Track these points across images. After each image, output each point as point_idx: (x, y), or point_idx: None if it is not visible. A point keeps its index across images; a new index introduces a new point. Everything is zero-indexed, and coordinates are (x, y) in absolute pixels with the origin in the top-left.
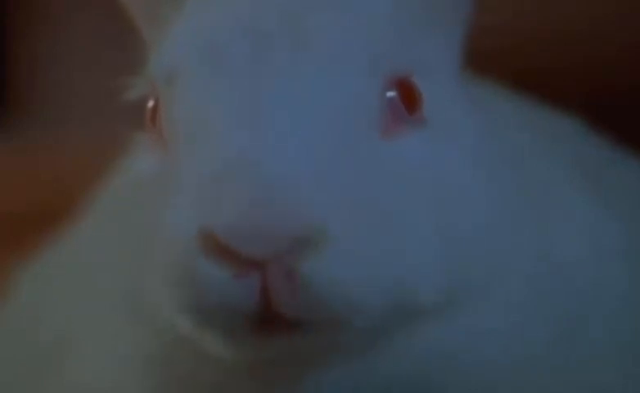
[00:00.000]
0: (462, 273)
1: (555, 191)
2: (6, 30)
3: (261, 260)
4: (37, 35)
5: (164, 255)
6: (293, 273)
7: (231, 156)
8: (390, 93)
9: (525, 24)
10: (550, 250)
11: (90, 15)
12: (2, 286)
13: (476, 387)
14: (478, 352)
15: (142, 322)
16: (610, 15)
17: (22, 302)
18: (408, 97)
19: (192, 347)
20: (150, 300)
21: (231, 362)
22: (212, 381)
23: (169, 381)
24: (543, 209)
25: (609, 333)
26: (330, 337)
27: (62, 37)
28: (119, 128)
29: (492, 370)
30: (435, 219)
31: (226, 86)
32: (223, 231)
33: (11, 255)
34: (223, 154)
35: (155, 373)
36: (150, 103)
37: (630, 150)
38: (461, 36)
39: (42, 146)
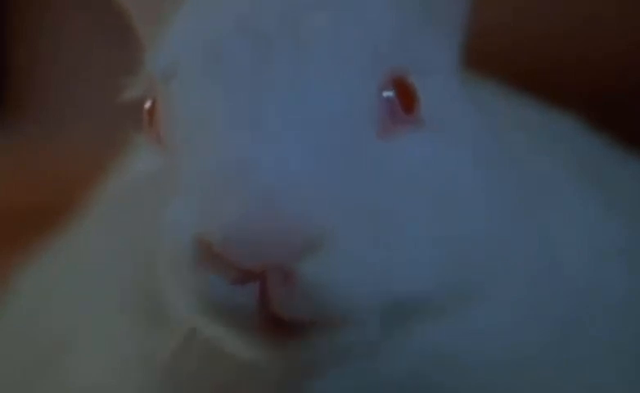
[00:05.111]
0: (462, 274)
1: (555, 191)
2: (6, 30)
3: (260, 271)
4: (37, 35)
5: (165, 257)
6: (291, 275)
7: (229, 158)
8: (387, 93)
9: (525, 23)
10: (550, 250)
11: (90, 16)
12: (1, 285)
13: (476, 387)
14: (478, 352)
15: (143, 323)
16: (611, 15)
17: (22, 302)
18: (405, 97)
19: (193, 348)
20: (151, 300)
21: (234, 363)
22: (213, 381)
23: (170, 381)
24: (543, 209)
25: (609, 333)
26: (329, 338)
27: (62, 37)
28: (119, 128)
29: (492, 370)
30: (435, 219)
31: (225, 86)
32: (220, 242)
33: (10, 255)
34: (221, 155)
35: (156, 374)
36: (148, 103)
37: (631, 149)
38: (460, 35)
39: (41, 146)
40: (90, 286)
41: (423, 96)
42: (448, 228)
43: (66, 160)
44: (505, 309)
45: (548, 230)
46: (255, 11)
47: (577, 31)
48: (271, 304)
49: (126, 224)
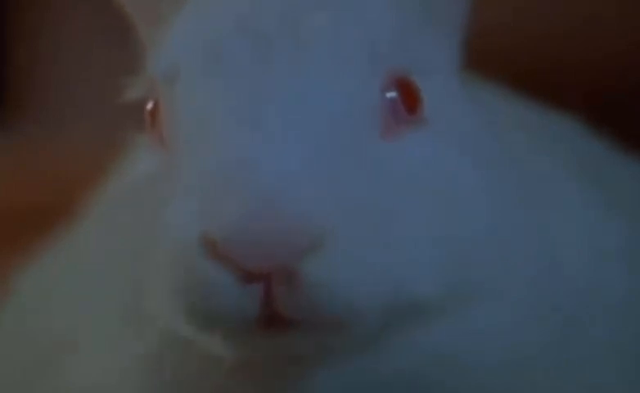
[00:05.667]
0: (463, 274)
1: (555, 191)
2: (6, 30)
3: (265, 272)
4: (37, 35)
5: (166, 257)
6: (295, 276)
7: (229, 158)
8: (391, 93)
9: (525, 23)
10: (550, 250)
11: (90, 16)
12: (1, 285)
13: (476, 387)
14: (478, 352)
15: (143, 324)
16: (611, 15)
17: (22, 302)
18: (408, 97)
19: (193, 349)
20: (150, 301)
21: (232, 362)
22: (213, 382)
23: (170, 382)
24: (543, 209)
25: (609, 333)
26: (331, 337)
27: (62, 37)
28: (119, 128)
29: (492, 370)
30: (435, 219)
31: (226, 86)
32: (224, 240)
33: (10, 255)
34: (221, 155)
35: (156, 375)
36: (150, 104)
37: (631, 149)
38: (460, 36)
39: (41, 146)
40: (90, 286)
41: (425, 96)
42: (449, 228)
43: (66, 160)
44: (505, 309)
45: (548, 230)
46: (255, 11)
47: (577, 31)
48: (274, 305)
49: (126, 225)
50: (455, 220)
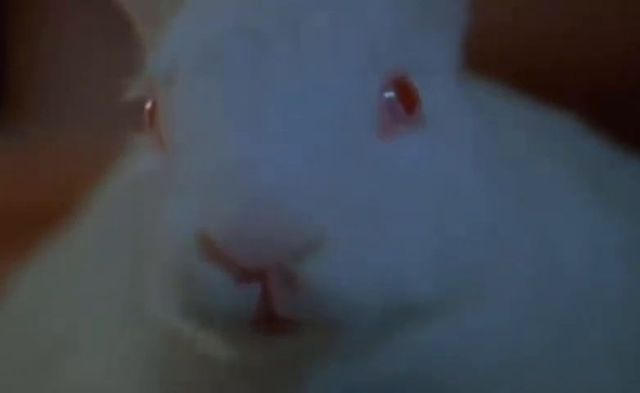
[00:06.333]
0: (462, 274)
1: (555, 191)
2: (6, 30)
3: (262, 270)
4: (37, 35)
5: (163, 256)
6: (293, 276)
7: (229, 158)
8: (389, 93)
9: (525, 23)
10: (550, 251)
11: (90, 16)
12: (1, 285)
13: (476, 387)
14: (478, 352)
15: (142, 323)
16: (611, 15)
17: (22, 302)
18: (406, 97)
19: (192, 348)
20: (149, 300)
21: (231, 363)
22: (212, 381)
23: (169, 381)
24: (543, 209)
25: (609, 333)
26: (329, 338)
27: (62, 37)
28: (119, 128)
29: (492, 370)
30: (434, 219)
31: (225, 87)
32: (222, 239)
33: (10, 255)
34: (221, 155)
35: (155, 374)
36: (149, 104)
37: (631, 149)
38: (459, 36)
39: (41, 146)
40: (90, 286)
41: (423, 96)
42: (447, 227)
43: (66, 160)
44: (505, 309)
45: (548, 230)
46: (255, 11)
47: (577, 31)
48: (272, 305)
49: (126, 224)
50: (454, 220)
